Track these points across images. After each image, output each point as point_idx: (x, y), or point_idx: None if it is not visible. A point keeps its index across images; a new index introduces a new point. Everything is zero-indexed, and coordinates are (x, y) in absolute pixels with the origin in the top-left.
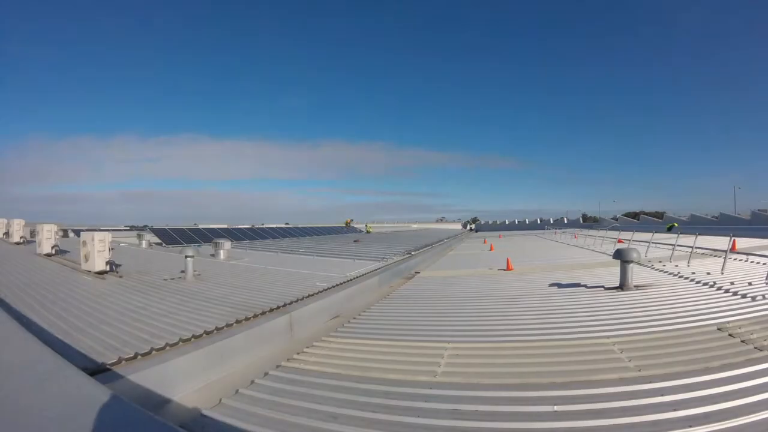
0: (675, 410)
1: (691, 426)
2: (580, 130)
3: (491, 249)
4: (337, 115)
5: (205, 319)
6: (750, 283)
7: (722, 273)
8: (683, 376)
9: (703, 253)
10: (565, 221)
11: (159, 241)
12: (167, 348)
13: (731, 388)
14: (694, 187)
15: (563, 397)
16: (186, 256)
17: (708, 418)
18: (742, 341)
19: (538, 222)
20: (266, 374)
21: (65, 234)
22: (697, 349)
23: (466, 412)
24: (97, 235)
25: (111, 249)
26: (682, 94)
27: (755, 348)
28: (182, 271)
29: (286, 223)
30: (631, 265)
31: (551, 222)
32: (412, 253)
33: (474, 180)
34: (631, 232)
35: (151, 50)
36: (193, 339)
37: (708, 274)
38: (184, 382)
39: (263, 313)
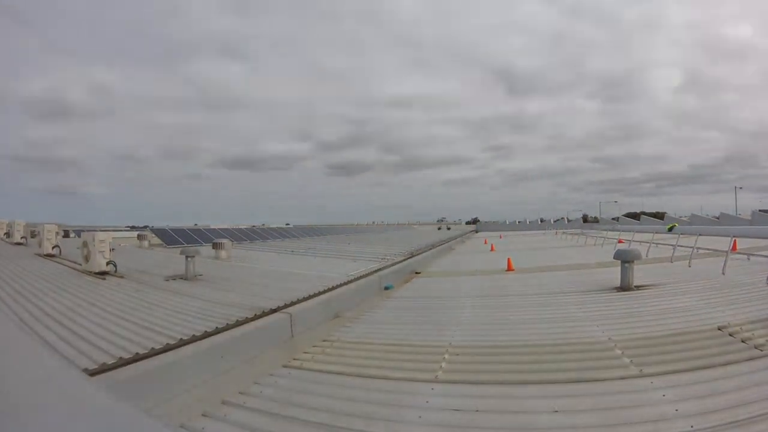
0: (676, 410)
1: (692, 426)
2: None
3: (492, 249)
4: None
5: (205, 320)
6: (750, 284)
7: (723, 273)
8: (684, 375)
9: (703, 254)
10: (566, 221)
11: (160, 241)
12: (168, 349)
13: (732, 387)
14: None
15: (564, 397)
16: (187, 257)
17: (709, 417)
18: (743, 341)
19: (539, 222)
20: (267, 375)
21: (66, 234)
22: (697, 348)
23: (468, 411)
24: (98, 236)
25: (111, 249)
26: None
27: (755, 348)
28: (179, 273)
29: (287, 224)
30: (632, 265)
31: (552, 222)
32: (413, 253)
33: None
34: (632, 233)
35: None
36: (193, 340)
37: (708, 274)
38: (185, 383)
39: (264, 313)
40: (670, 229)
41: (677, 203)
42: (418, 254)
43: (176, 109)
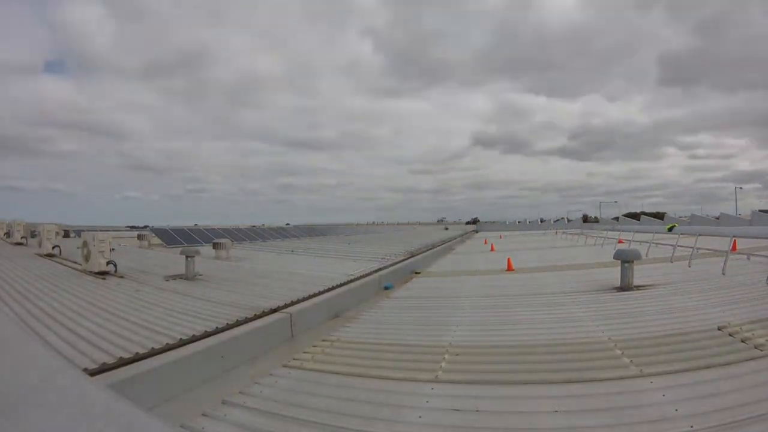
0: (676, 410)
1: (692, 426)
2: None
3: (492, 249)
4: None
5: (205, 320)
6: (750, 284)
7: (723, 273)
8: (684, 375)
9: (703, 254)
10: (566, 221)
11: (160, 241)
12: (168, 349)
13: (731, 388)
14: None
15: (564, 397)
16: (187, 257)
17: (708, 417)
18: (743, 341)
19: (539, 222)
20: (267, 375)
21: (66, 234)
22: (697, 348)
23: (468, 412)
24: (98, 236)
25: (111, 249)
26: None
27: (755, 348)
28: (179, 273)
29: (287, 224)
30: (632, 265)
31: (552, 222)
32: (413, 253)
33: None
34: (632, 233)
35: None
36: (193, 340)
37: (708, 274)
38: (185, 383)
39: (264, 313)
40: (670, 229)
41: None
42: (418, 254)
43: None
